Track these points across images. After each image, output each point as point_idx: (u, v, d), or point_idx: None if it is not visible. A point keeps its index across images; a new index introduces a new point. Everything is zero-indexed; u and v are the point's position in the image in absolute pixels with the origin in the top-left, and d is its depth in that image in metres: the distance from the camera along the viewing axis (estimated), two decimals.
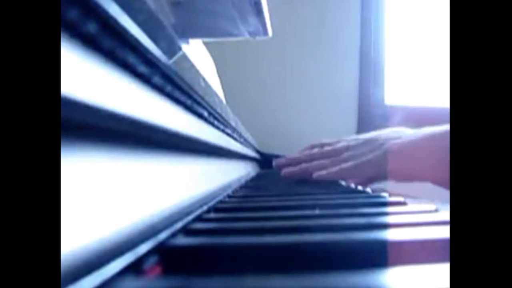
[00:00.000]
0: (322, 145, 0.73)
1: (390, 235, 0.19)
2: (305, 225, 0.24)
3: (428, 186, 0.62)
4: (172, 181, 0.27)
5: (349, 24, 1.57)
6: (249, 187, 0.58)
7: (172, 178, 0.27)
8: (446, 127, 0.59)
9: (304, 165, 0.69)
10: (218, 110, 0.38)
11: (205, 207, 0.31)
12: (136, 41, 0.18)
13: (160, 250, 0.19)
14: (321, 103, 1.56)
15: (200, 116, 0.33)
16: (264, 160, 1.04)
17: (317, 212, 0.29)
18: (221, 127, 0.44)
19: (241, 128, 0.62)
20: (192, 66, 0.29)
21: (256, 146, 0.99)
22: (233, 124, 0.51)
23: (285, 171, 0.70)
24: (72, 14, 0.13)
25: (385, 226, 0.23)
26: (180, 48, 0.25)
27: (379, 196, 0.40)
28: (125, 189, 0.19)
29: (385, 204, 0.35)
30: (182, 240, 0.21)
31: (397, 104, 1.57)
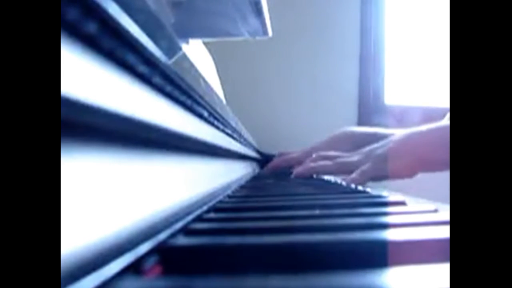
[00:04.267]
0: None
1: (390, 235, 0.19)
2: (305, 225, 0.24)
3: (428, 186, 0.62)
4: (172, 181, 0.27)
5: (349, 24, 1.57)
6: (249, 187, 0.58)
7: (172, 178, 0.27)
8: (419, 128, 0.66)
9: (311, 165, 0.75)
10: (218, 110, 0.38)
11: (205, 207, 0.31)
12: (136, 41, 0.18)
13: (160, 250, 0.19)
14: (321, 103, 1.56)
15: (200, 116, 0.33)
16: (264, 160, 1.04)
17: (317, 212, 0.29)
18: (221, 127, 0.44)
19: (241, 128, 0.62)
20: (192, 66, 0.29)
21: (256, 146, 0.99)
22: (233, 124, 0.51)
23: (296, 173, 0.76)
24: (72, 14, 0.13)
25: (385, 226, 0.23)
26: (180, 48, 0.25)
27: (379, 196, 0.40)
28: (125, 189, 0.19)
29: (385, 204, 0.35)
30: (182, 240, 0.21)
31: (397, 104, 1.57)
